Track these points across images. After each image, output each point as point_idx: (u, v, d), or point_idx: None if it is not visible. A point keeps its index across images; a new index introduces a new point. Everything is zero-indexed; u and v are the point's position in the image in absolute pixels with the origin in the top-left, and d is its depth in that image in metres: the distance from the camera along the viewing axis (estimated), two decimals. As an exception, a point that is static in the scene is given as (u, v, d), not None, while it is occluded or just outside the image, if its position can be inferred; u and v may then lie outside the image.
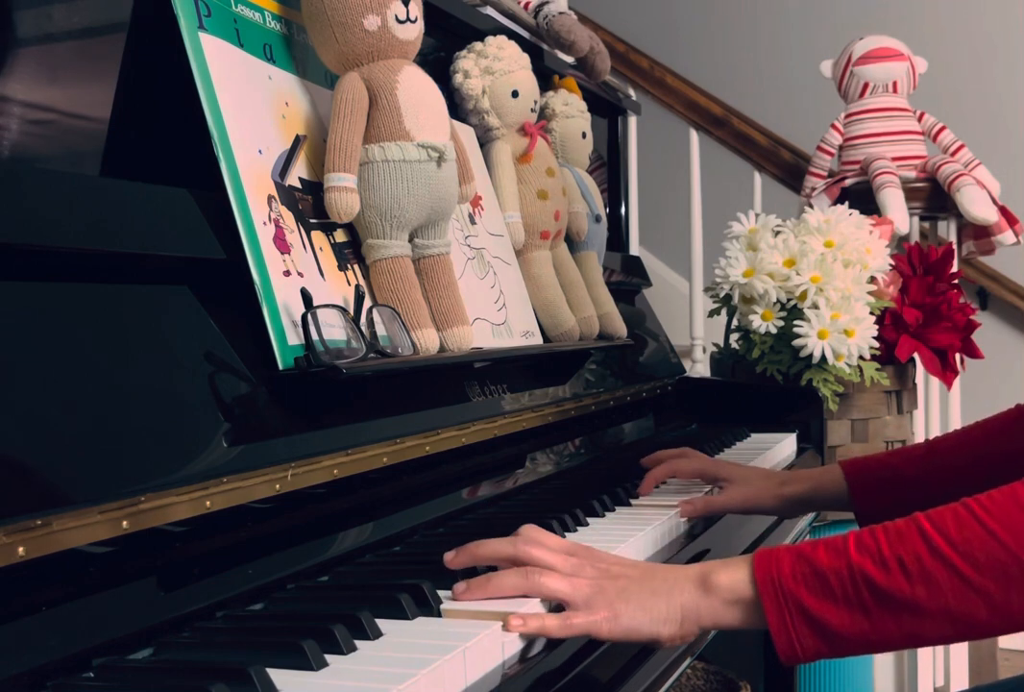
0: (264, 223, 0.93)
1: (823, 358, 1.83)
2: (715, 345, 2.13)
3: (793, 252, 1.86)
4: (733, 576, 0.81)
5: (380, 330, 0.99)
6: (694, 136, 2.70)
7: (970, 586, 0.75)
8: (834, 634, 0.78)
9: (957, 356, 2.07)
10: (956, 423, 2.46)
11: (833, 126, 2.50)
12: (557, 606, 0.81)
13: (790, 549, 0.80)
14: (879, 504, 1.19)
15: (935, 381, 2.37)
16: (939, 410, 2.45)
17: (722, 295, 1.95)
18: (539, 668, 0.74)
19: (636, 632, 0.80)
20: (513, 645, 0.75)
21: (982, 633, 0.78)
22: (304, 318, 0.90)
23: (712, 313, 2.06)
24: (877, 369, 1.89)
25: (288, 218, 0.97)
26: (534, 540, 0.85)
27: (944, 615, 0.76)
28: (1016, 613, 0.76)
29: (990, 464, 1.14)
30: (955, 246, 2.40)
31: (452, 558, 0.85)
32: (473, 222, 1.31)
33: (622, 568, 0.84)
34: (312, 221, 1.01)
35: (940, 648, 2.43)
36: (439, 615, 0.78)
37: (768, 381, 1.90)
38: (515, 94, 1.38)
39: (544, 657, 0.75)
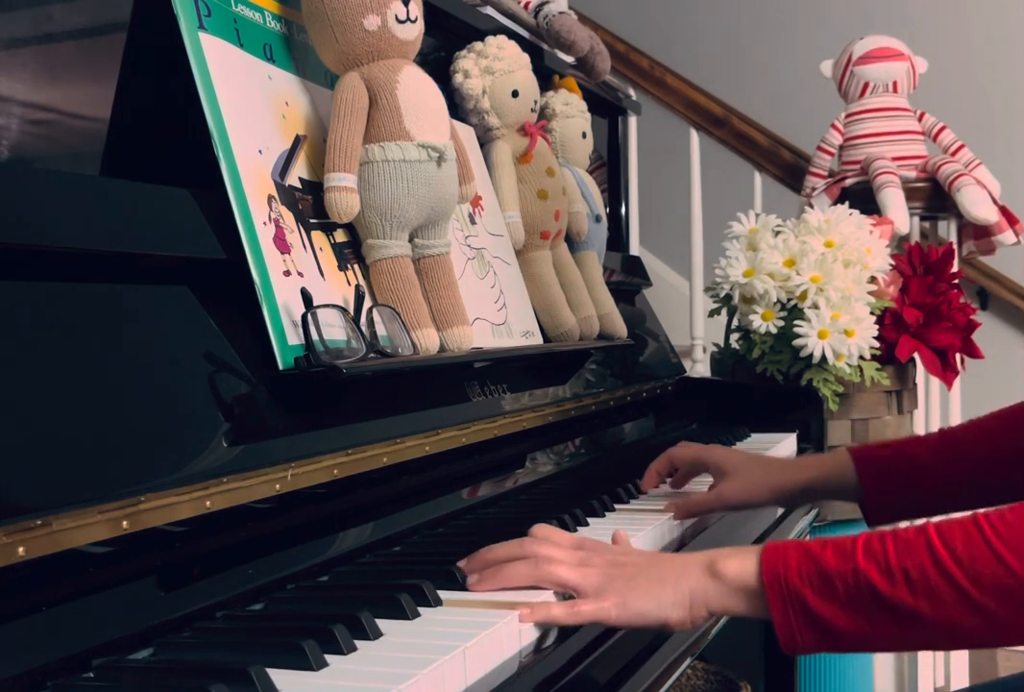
0: (264, 223, 0.93)
1: (823, 358, 1.83)
2: (715, 345, 2.13)
3: (793, 252, 1.86)
4: (740, 566, 0.82)
5: (380, 330, 0.99)
6: (694, 136, 2.70)
7: (972, 604, 0.76)
8: (835, 633, 0.79)
9: (957, 356, 2.06)
10: (956, 423, 2.46)
11: (833, 126, 2.50)
12: (568, 597, 0.82)
13: (799, 546, 0.81)
14: (888, 494, 1.15)
15: (935, 381, 2.37)
16: (939, 410, 2.45)
17: (722, 295, 1.95)
18: (539, 668, 0.74)
19: (644, 617, 0.82)
20: (513, 645, 0.75)
21: (981, 645, 0.80)
22: (304, 318, 0.90)
23: (712, 313, 2.06)
24: (877, 369, 1.89)
25: (288, 218, 0.97)
26: (543, 537, 0.86)
27: (944, 627, 0.77)
28: (1016, 631, 0.77)
29: (1000, 457, 1.11)
30: (955, 246, 2.40)
31: (465, 565, 0.85)
32: (473, 222, 1.31)
33: (629, 557, 0.85)
34: (312, 221, 1.01)
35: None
36: (441, 607, 0.78)
37: (768, 381, 1.90)
38: (515, 94, 1.38)
39: (543, 658, 0.75)
